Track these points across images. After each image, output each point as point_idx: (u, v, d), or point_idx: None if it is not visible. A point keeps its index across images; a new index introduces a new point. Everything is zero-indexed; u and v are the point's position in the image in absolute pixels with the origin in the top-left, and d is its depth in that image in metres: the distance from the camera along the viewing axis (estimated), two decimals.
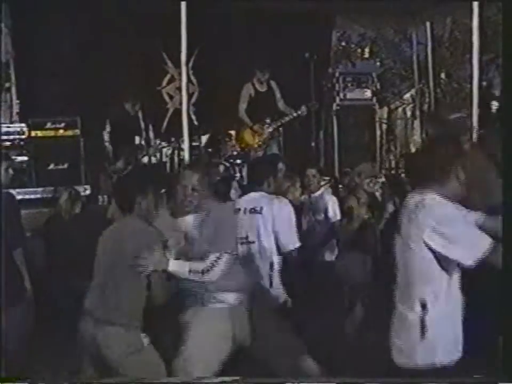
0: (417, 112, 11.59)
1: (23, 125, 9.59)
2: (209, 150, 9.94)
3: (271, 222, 5.48)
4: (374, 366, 3.76)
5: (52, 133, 9.54)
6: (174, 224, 4.88)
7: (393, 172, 10.44)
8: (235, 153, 9.87)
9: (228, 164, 9.62)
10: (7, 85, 10.42)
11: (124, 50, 10.44)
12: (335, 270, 6.33)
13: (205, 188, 4.74)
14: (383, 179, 7.05)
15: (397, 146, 12.17)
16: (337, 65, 12.05)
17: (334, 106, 11.08)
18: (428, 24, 11.65)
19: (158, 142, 9.84)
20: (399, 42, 12.32)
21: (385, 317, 3.57)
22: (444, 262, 3.38)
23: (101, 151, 9.55)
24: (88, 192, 8.89)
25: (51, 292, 6.39)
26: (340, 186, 9.03)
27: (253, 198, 5.62)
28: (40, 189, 8.94)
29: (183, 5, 8.61)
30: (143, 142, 9.72)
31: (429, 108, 11.72)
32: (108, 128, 9.54)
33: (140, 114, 9.74)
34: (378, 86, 11.40)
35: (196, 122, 10.38)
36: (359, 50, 12.20)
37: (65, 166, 9.45)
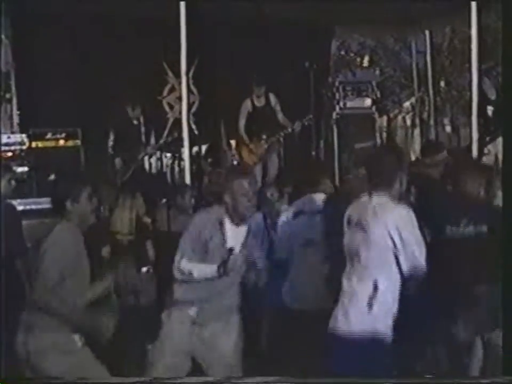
0: (417, 121, 11.60)
1: (23, 135, 9.62)
2: (210, 159, 9.95)
3: None
4: None
5: (52, 144, 9.57)
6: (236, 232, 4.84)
7: None
8: (235, 162, 9.90)
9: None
10: (7, 95, 10.44)
11: (124, 60, 10.46)
12: None
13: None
14: None
15: None
16: (337, 74, 12.07)
17: (334, 115, 11.09)
18: (427, 32, 11.69)
19: (155, 142, 9.88)
20: (399, 51, 12.35)
21: None
22: (400, 255, 4.07)
23: (102, 162, 9.56)
24: None
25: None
26: None
27: None
28: (41, 200, 8.95)
29: (183, 15, 8.64)
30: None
31: (429, 116, 11.75)
32: (110, 136, 9.56)
33: (141, 122, 9.77)
34: (378, 95, 11.41)
35: (196, 132, 10.39)
36: (358, 59, 12.22)
37: (66, 176, 9.46)
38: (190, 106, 9.54)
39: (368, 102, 11.20)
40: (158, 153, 9.90)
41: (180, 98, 9.71)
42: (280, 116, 9.92)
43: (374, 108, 11.25)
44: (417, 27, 11.86)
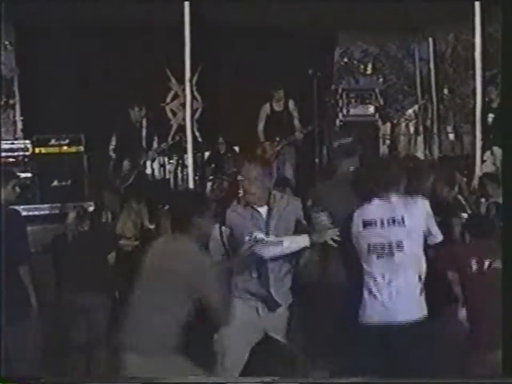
0: (421, 128, 11.60)
1: (27, 141, 9.63)
2: (213, 165, 9.97)
3: None
4: None
5: (55, 150, 9.58)
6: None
7: None
8: (235, 169, 9.91)
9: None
10: (11, 101, 10.46)
11: (128, 67, 10.47)
12: None
13: None
14: None
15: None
16: (340, 81, 12.07)
17: (337, 122, 11.09)
18: (430, 40, 11.70)
19: (157, 146, 9.89)
20: (402, 58, 12.32)
21: None
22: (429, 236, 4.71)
23: (105, 168, 9.57)
24: (92, 208, 8.89)
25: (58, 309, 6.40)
26: None
27: None
28: (44, 206, 8.96)
29: (187, 21, 8.65)
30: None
31: (432, 123, 11.74)
32: (113, 142, 9.57)
33: (144, 128, 9.79)
34: (381, 102, 11.42)
35: (199, 139, 10.39)
36: (361, 66, 12.20)
37: (69, 182, 9.47)
38: (193, 112, 9.55)
39: (371, 109, 11.21)
40: (161, 159, 9.91)
41: (183, 105, 9.72)
42: (296, 121, 10.02)
43: (377, 115, 11.26)
44: (421, 35, 11.87)
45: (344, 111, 11.17)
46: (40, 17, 9.63)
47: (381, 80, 12.19)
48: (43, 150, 9.53)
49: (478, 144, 9.14)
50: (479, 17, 9.01)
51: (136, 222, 7.03)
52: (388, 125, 11.39)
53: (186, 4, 8.63)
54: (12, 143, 9.61)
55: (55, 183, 9.43)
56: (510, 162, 4.73)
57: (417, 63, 12.19)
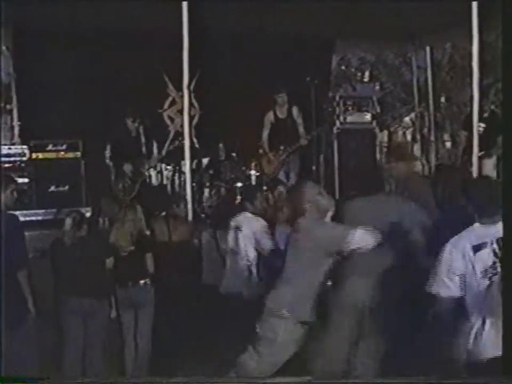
0: (418, 136, 11.62)
1: (24, 146, 9.61)
2: (210, 172, 9.97)
3: None
4: None
5: (53, 155, 9.57)
6: None
7: None
8: (233, 176, 9.94)
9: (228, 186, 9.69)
10: (8, 107, 10.44)
11: (125, 73, 10.47)
12: None
13: None
14: None
15: None
16: (337, 88, 12.09)
17: (335, 130, 11.11)
18: (427, 48, 11.73)
19: (157, 153, 9.91)
20: (399, 66, 12.33)
21: None
22: None
23: (103, 173, 9.56)
24: (88, 214, 8.88)
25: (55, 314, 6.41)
26: None
27: None
28: (41, 211, 8.94)
29: (185, 27, 8.66)
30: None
31: (429, 131, 11.76)
32: (109, 148, 9.58)
33: (142, 134, 9.80)
34: (378, 110, 11.45)
35: (197, 145, 10.39)
36: (359, 74, 12.21)
37: (66, 188, 9.47)
38: (191, 119, 9.56)
39: (368, 116, 11.24)
40: (159, 166, 9.92)
41: (180, 111, 9.72)
42: (301, 128, 10.05)
43: (374, 123, 11.29)
44: (418, 43, 11.90)
45: (342, 118, 11.19)
46: (38, 23, 9.63)
47: (378, 87, 12.20)
48: (40, 156, 9.52)
49: (475, 151, 9.12)
50: (477, 26, 9.03)
51: (132, 230, 7.01)
52: (385, 132, 11.40)
53: (185, 9, 8.63)
54: (9, 148, 9.59)
55: (52, 188, 9.42)
56: (509, 167, 4.73)
57: (414, 71, 12.21)
